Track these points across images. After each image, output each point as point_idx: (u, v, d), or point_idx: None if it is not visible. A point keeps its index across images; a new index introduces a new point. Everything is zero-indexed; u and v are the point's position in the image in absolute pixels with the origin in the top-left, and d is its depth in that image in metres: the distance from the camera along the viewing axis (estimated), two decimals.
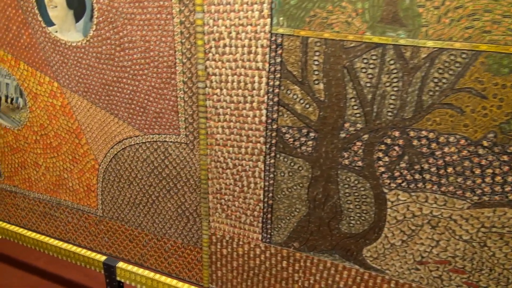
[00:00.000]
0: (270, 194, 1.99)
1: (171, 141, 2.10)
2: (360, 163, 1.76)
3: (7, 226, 2.37)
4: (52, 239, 2.20)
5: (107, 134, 2.25)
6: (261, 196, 2.02)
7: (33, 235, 2.22)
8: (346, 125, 1.72)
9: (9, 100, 2.43)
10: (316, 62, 1.66)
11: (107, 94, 2.14)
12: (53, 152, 2.46)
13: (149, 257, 2.49)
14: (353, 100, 1.67)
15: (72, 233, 2.69)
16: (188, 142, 2.06)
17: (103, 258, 2.02)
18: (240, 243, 2.17)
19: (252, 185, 2.01)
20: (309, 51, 1.66)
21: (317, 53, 1.65)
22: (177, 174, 2.17)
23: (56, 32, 2.11)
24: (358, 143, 1.73)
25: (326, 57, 1.64)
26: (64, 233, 2.73)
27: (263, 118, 1.84)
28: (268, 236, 2.09)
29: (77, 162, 2.42)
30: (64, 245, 2.17)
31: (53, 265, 2.57)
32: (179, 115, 2.01)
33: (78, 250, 2.09)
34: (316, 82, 1.70)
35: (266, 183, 1.98)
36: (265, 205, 2.03)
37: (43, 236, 2.26)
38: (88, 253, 2.04)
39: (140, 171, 2.26)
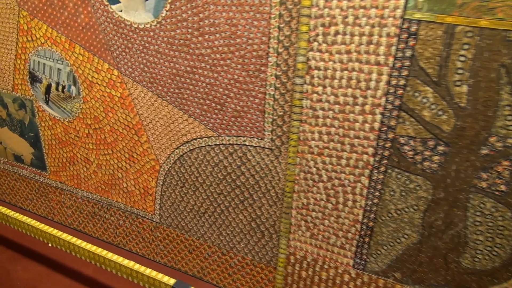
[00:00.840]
0: (372, 215, 1.64)
1: (251, 145, 1.76)
2: (503, 188, 1.39)
3: (55, 231, 2.09)
4: (112, 254, 1.91)
5: (173, 132, 1.93)
6: (360, 217, 1.67)
7: (88, 246, 1.93)
8: (492, 139, 1.34)
9: (60, 87, 2.13)
10: (462, 58, 1.28)
11: (177, 87, 1.80)
12: (108, 149, 2.16)
13: (211, 271, 2.19)
14: (507, 108, 1.29)
15: (123, 237, 2.41)
16: (273, 147, 1.71)
17: (171, 281, 1.71)
18: (325, 266, 1.84)
19: (349, 203, 1.66)
20: (454, 44, 1.28)
21: (466, 46, 1.27)
22: (255, 184, 1.83)
23: (121, 11, 1.77)
24: (505, 163, 1.35)
25: (477, 52, 1.26)
26: (114, 236, 2.45)
27: (376, 125, 1.48)
28: (362, 262, 1.75)
29: (135, 162, 2.11)
30: (125, 262, 1.87)
31: (103, 275, 2.29)
32: (266, 115, 1.67)
33: (142, 269, 1.79)
34: (458, 83, 1.32)
35: (369, 202, 1.63)
36: (363, 227, 1.68)
37: (100, 249, 1.97)
38: (154, 274, 1.73)
39: (209, 177, 1.93)
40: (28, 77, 2.20)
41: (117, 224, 2.39)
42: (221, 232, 2.05)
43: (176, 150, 1.96)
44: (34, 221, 2.13)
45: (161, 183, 2.10)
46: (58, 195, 2.53)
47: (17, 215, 2.11)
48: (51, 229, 2.01)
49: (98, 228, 2.49)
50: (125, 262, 1.81)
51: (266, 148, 1.73)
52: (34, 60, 2.13)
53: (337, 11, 1.38)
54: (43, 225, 2.10)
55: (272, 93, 1.61)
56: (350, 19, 1.37)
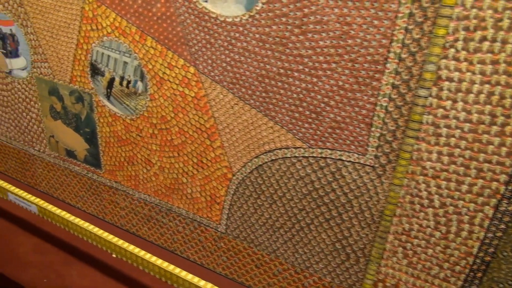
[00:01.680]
0: (491, 249, 1.41)
1: (349, 161, 1.53)
2: None
3: (110, 237, 1.92)
4: (173, 266, 1.73)
5: (253, 139, 1.71)
6: (475, 249, 1.44)
7: (153, 259, 1.76)
8: None
9: (124, 82, 1.93)
10: None
11: (265, 90, 1.58)
12: (174, 151, 1.97)
13: None
14: None
15: (181, 244, 2.24)
16: (376, 165, 1.49)
17: None
18: None
19: (463, 233, 1.44)
20: None
21: None
22: (346, 202, 1.62)
23: (206, 1, 1.55)
24: None
25: None
26: (170, 242, 2.27)
27: None
28: None
29: (204, 167, 1.91)
30: (189, 277, 1.70)
31: (159, 284, 2.12)
32: (372, 129, 1.44)
33: (202, 283, 1.60)
34: None
35: (489, 235, 1.39)
36: (477, 260, 1.46)
37: (160, 261, 1.80)
38: None
39: (291, 191, 1.72)
40: (89, 69, 2.01)
41: (175, 230, 2.21)
42: (297, 250, 1.85)
43: (255, 159, 1.75)
44: (92, 226, 1.96)
45: (232, 192, 1.90)
46: (111, 194, 2.36)
47: (77, 220, 1.94)
48: (116, 239, 1.85)
49: (153, 232, 2.31)
50: (189, 277, 1.63)
51: (367, 165, 1.51)
52: (97, 51, 1.93)
53: (489, 12, 1.13)
54: (101, 231, 1.93)
55: (384, 104, 1.38)
56: (505, 23, 1.12)
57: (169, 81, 1.80)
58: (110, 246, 1.88)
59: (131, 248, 1.91)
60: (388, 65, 1.32)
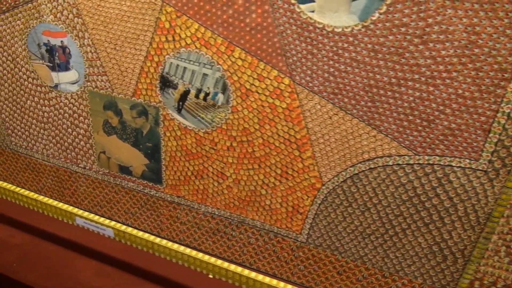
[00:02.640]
0: None
1: (459, 166, 1.55)
2: None
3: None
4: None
5: (351, 149, 1.69)
6: None
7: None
8: None
9: (201, 95, 1.84)
10: None
11: (372, 100, 1.56)
12: (254, 163, 1.90)
13: None
14: None
15: (251, 256, 2.18)
16: (489, 169, 1.51)
17: None
18: None
19: None
20: None
21: None
22: (450, 206, 1.63)
23: (313, 12, 1.50)
24: None
25: None
26: (239, 255, 2.21)
27: None
28: None
29: (288, 178, 1.87)
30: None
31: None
32: (490, 135, 1.45)
33: None
34: None
35: None
36: None
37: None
38: None
39: (389, 198, 1.72)
40: (158, 81, 1.90)
41: (246, 242, 2.15)
42: (388, 255, 1.85)
43: (350, 168, 1.73)
44: (183, 247, 1.86)
45: (319, 202, 1.87)
46: (171, 210, 2.26)
47: (164, 242, 1.84)
48: (207, 257, 1.76)
49: (219, 246, 2.24)
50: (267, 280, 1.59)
51: (478, 170, 1.53)
52: (171, 63, 1.83)
53: None
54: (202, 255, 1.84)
55: (507, 111, 1.40)
56: None
57: (257, 92, 1.73)
58: (202, 265, 1.79)
59: (226, 265, 1.83)
60: None
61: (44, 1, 1.92)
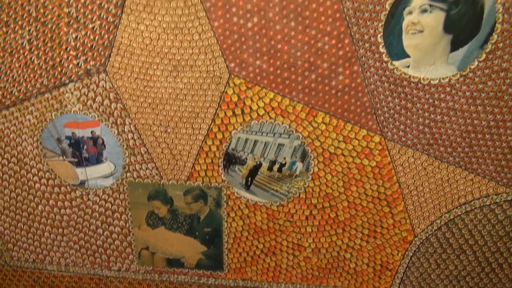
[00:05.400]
0: None
1: None
2: None
3: None
4: None
5: (446, 196, 1.62)
6: None
7: None
8: None
9: (275, 167, 1.64)
10: None
11: (469, 145, 1.52)
12: (337, 228, 1.73)
13: None
14: None
15: None
16: None
17: None
18: None
19: None
20: None
21: None
22: None
23: (407, 67, 1.42)
24: None
25: None
26: None
27: None
28: None
29: (376, 237, 1.73)
30: None
31: None
32: None
33: None
34: None
35: None
36: None
37: None
38: None
39: (485, 236, 1.67)
40: (221, 160, 1.65)
41: None
42: None
43: (445, 215, 1.65)
44: None
45: (410, 254, 1.75)
46: None
47: None
48: None
49: None
50: None
51: None
52: (238, 138, 1.61)
53: None
54: None
55: None
56: None
57: (343, 155, 1.59)
58: None
59: None
60: None
61: (70, 89, 1.58)
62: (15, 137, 1.71)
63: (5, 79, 1.59)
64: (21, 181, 1.81)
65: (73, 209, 1.84)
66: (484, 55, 1.37)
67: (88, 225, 1.87)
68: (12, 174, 1.80)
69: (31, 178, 1.79)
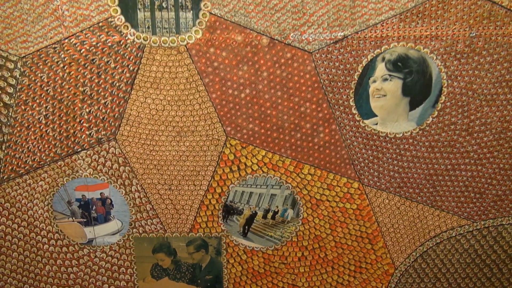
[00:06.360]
0: None
1: (508, 223, 1.83)
2: None
3: None
4: None
5: (418, 230, 1.85)
6: None
7: None
8: None
9: (269, 215, 1.84)
10: None
11: (433, 186, 1.78)
12: (327, 267, 1.92)
13: None
14: None
15: None
16: None
17: None
18: None
19: None
20: None
21: None
22: (506, 258, 1.88)
23: (376, 124, 1.69)
24: None
25: None
26: None
27: None
28: None
29: (362, 272, 1.93)
30: None
31: None
32: None
33: None
34: None
35: None
36: None
37: None
38: None
39: (455, 264, 1.90)
40: (220, 211, 1.83)
41: None
42: None
43: (419, 247, 1.88)
44: None
45: (393, 286, 1.95)
46: None
47: None
48: None
49: None
50: None
51: None
52: (236, 191, 1.80)
53: None
54: None
55: None
56: None
57: (328, 200, 1.81)
58: None
59: None
60: None
61: (81, 156, 1.74)
62: (26, 203, 1.83)
63: (20, 150, 1.73)
64: (30, 244, 1.90)
65: (80, 267, 1.94)
66: (436, 112, 1.66)
67: (94, 281, 1.96)
68: (22, 238, 1.89)
69: (40, 240, 1.90)
